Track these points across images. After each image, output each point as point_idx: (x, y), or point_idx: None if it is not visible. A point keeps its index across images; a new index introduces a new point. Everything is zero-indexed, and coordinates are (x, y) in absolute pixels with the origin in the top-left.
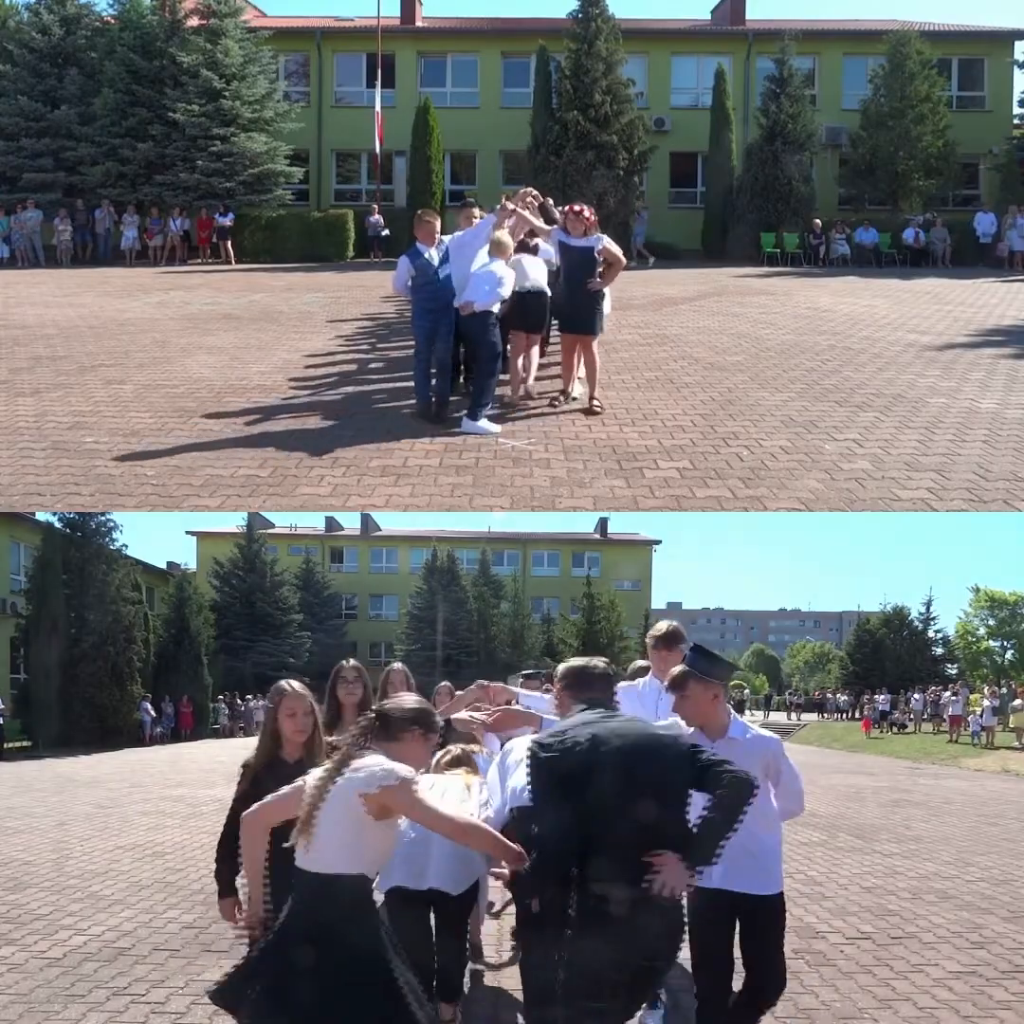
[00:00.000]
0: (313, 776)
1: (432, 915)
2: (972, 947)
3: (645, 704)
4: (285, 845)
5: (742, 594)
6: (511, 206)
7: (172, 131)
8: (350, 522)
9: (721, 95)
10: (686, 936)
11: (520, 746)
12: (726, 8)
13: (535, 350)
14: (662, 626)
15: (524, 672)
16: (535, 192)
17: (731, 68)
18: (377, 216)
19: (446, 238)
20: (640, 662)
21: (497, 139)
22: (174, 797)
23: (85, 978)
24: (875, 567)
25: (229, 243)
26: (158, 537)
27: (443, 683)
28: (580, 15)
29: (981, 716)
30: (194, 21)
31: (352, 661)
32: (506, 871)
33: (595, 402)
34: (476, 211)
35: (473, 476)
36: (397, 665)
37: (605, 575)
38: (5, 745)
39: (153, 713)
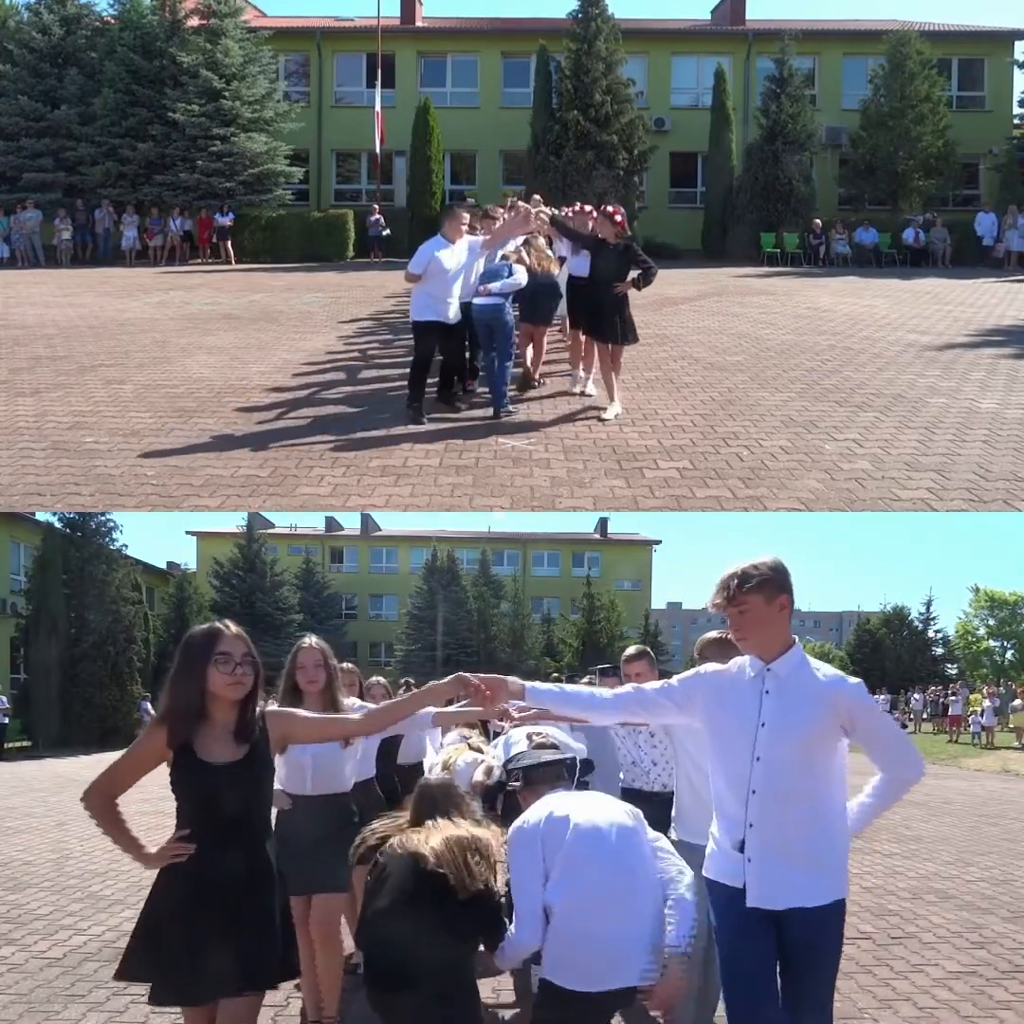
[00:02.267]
0: None
1: None
2: (972, 947)
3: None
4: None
5: None
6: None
7: (172, 131)
8: (350, 522)
9: (721, 95)
10: None
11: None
12: (726, 8)
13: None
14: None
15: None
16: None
17: (731, 68)
18: (378, 216)
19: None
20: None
21: (497, 139)
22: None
23: (85, 978)
24: (875, 567)
25: (229, 243)
26: (158, 537)
27: (376, 679)
28: (580, 15)
29: (981, 716)
30: (194, 21)
31: (348, 665)
32: None
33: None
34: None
35: (473, 476)
36: (346, 666)
37: (605, 575)
38: (5, 745)
39: (153, 713)
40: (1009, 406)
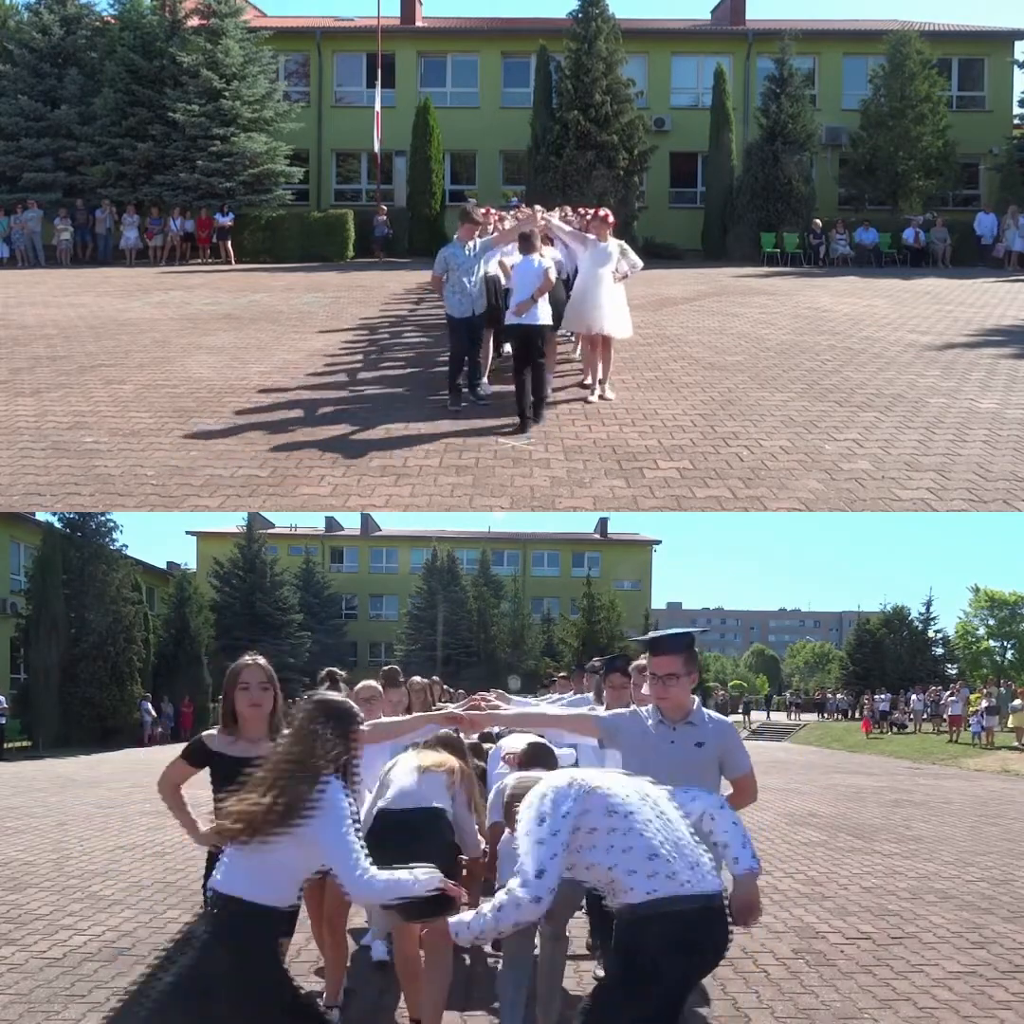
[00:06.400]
0: None
1: None
2: (972, 947)
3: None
4: None
5: (742, 594)
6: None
7: (172, 131)
8: (350, 522)
9: (721, 95)
10: None
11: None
12: (726, 8)
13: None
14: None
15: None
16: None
17: (731, 68)
18: (383, 216)
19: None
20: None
21: (497, 139)
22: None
23: (85, 978)
24: (875, 567)
25: (229, 243)
26: (158, 537)
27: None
28: (580, 15)
29: (981, 716)
30: (194, 21)
31: (259, 658)
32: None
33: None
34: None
35: (473, 476)
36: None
37: (605, 575)
38: (5, 745)
39: (153, 713)
40: (1009, 406)
